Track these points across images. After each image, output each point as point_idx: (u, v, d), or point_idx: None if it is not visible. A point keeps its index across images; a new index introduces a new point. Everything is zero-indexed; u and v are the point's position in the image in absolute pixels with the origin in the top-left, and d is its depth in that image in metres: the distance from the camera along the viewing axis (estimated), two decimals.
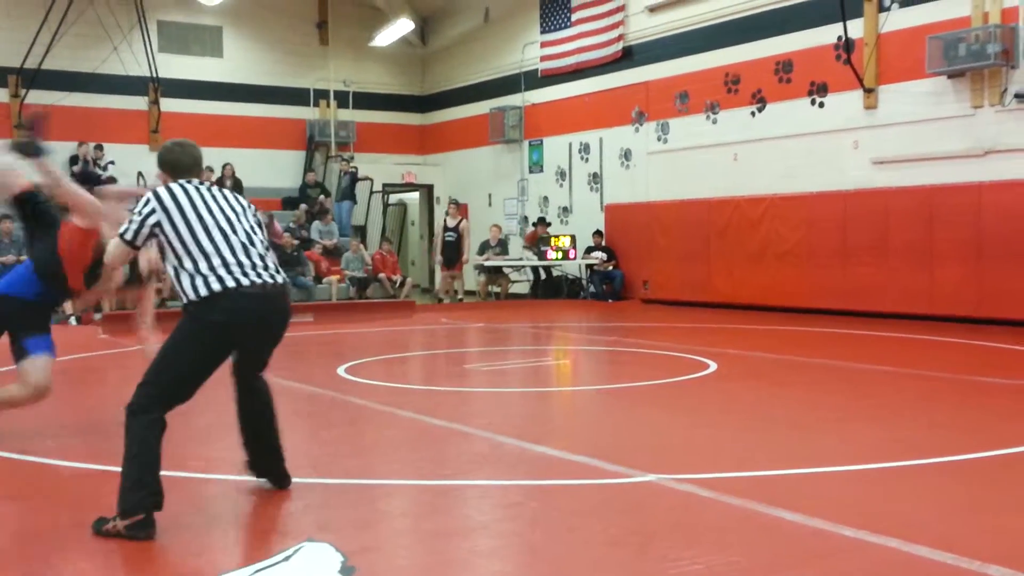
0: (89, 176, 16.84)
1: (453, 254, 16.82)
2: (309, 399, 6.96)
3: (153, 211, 3.95)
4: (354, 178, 18.75)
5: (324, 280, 15.78)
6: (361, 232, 18.29)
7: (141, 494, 3.67)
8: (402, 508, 4.30)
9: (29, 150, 5.43)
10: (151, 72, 17.77)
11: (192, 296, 3.88)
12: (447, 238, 16.88)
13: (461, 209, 17.92)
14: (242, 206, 4.16)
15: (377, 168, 19.76)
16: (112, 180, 16.96)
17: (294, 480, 4.39)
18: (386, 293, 16.12)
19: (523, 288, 17.67)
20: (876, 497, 4.24)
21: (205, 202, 4.02)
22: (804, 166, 13.78)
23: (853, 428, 5.83)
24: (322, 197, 18.20)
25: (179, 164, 4.16)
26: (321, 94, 19.89)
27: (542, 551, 3.59)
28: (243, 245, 3.99)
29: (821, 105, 13.71)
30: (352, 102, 20.04)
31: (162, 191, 4.01)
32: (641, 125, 16.54)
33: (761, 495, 4.16)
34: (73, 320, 12.97)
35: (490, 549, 3.66)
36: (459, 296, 17.01)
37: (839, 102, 13.42)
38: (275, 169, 19.14)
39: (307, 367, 8.86)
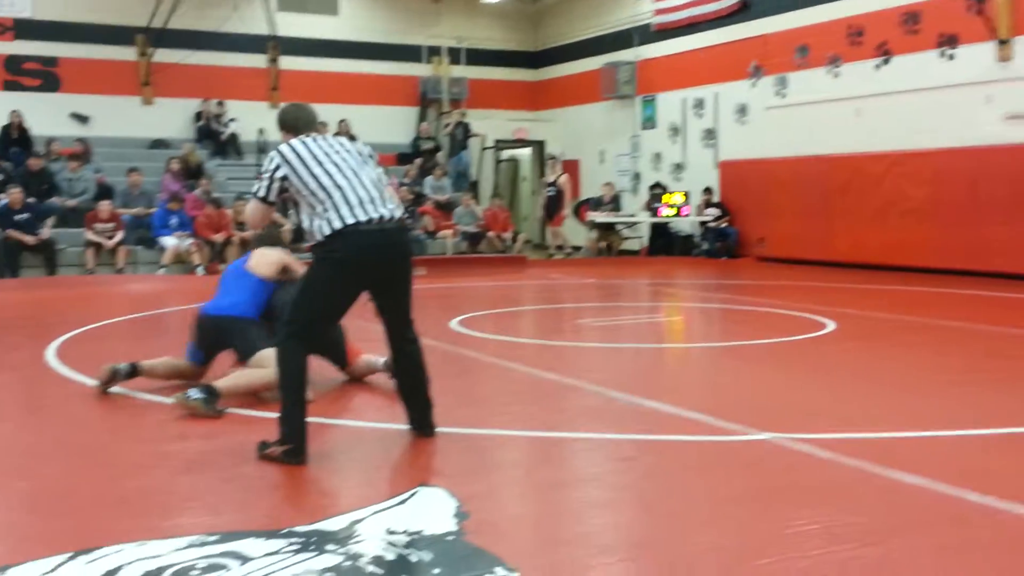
0: (210, 133, 17.38)
1: (553, 208, 16.95)
2: (424, 351, 7.06)
3: (279, 167, 4.19)
4: (467, 133, 18.81)
5: (439, 235, 15.94)
6: (473, 188, 18.39)
7: (292, 424, 4.05)
8: (514, 458, 4.34)
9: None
10: (270, 30, 18.14)
11: (318, 237, 4.13)
12: (547, 193, 17.00)
13: (562, 165, 17.88)
14: (360, 153, 4.34)
15: (489, 124, 19.78)
16: (233, 137, 17.49)
17: (407, 428, 4.49)
18: (496, 249, 16.19)
19: (634, 245, 17.50)
20: (1002, 463, 4.06)
21: (325, 152, 4.22)
22: (931, 121, 13.15)
23: (977, 392, 5.59)
24: (435, 153, 18.34)
25: (298, 121, 4.42)
26: (434, 51, 19.96)
27: (655, 505, 3.57)
28: (363, 186, 4.19)
29: (951, 57, 13.05)
30: (465, 58, 20.06)
31: (285, 148, 4.23)
32: (758, 80, 16.07)
33: (880, 457, 4.04)
34: (200, 270, 13.47)
35: (603, 501, 3.66)
36: (566, 250, 16.98)
37: (970, 54, 12.73)
38: (388, 125, 19.35)
39: (420, 320, 8.97)
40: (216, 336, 5.62)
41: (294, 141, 4.26)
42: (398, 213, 4.27)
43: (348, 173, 4.20)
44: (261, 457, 4.09)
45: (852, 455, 4.09)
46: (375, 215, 4.16)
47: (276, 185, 4.20)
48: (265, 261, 5.75)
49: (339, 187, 4.15)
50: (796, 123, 15.26)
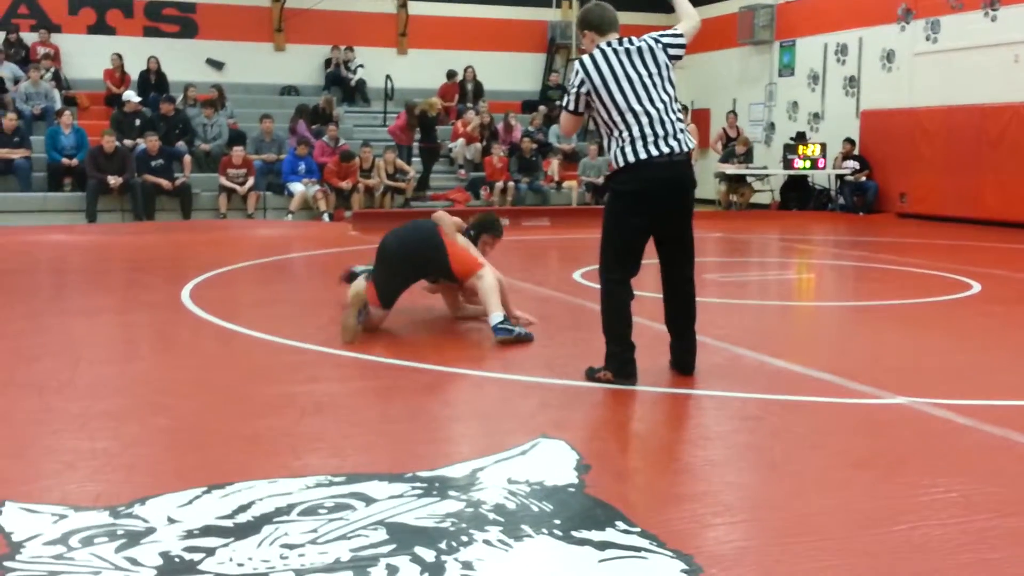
0: (339, 79, 17.62)
1: None
2: (544, 301, 7.06)
3: (583, 82, 4.40)
4: None
5: (564, 185, 15.83)
6: (598, 137, 18.15)
7: (615, 348, 4.44)
8: (636, 413, 4.29)
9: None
10: None
11: (616, 164, 4.40)
12: None
13: (691, 114, 17.39)
14: (658, 66, 4.43)
15: None
16: (361, 83, 17.72)
17: (529, 379, 4.52)
18: None
19: (766, 198, 17.00)
20: None
21: (625, 70, 4.37)
22: None
23: None
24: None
25: (603, 21, 4.55)
26: None
27: (782, 466, 3.47)
28: (659, 115, 4.35)
29: None
30: None
31: (587, 60, 4.41)
32: (908, 23, 15.23)
33: None
34: (326, 217, 13.79)
35: (726, 459, 3.58)
36: None
37: None
38: (516, 72, 19.24)
39: (543, 271, 8.99)
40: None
41: (596, 53, 4.40)
42: (688, 145, 4.39)
43: (643, 97, 4.32)
44: (592, 379, 4.48)
45: (993, 423, 3.89)
46: (665, 149, 4.31)
47: (583, 99, 4.42)
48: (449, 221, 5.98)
49: (635, 115, 4.31)
50: (948, 70, 14.45)
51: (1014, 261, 9.87)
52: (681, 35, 4.58)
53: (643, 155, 4.30)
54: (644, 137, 4.31)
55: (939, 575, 2.55)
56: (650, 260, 4.62)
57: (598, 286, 4.65)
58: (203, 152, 14.49)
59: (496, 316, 5.51)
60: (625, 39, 4.49)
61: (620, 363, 4.46)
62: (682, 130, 4.40)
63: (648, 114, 4.33)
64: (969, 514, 2.96)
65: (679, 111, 4.46)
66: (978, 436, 3.78)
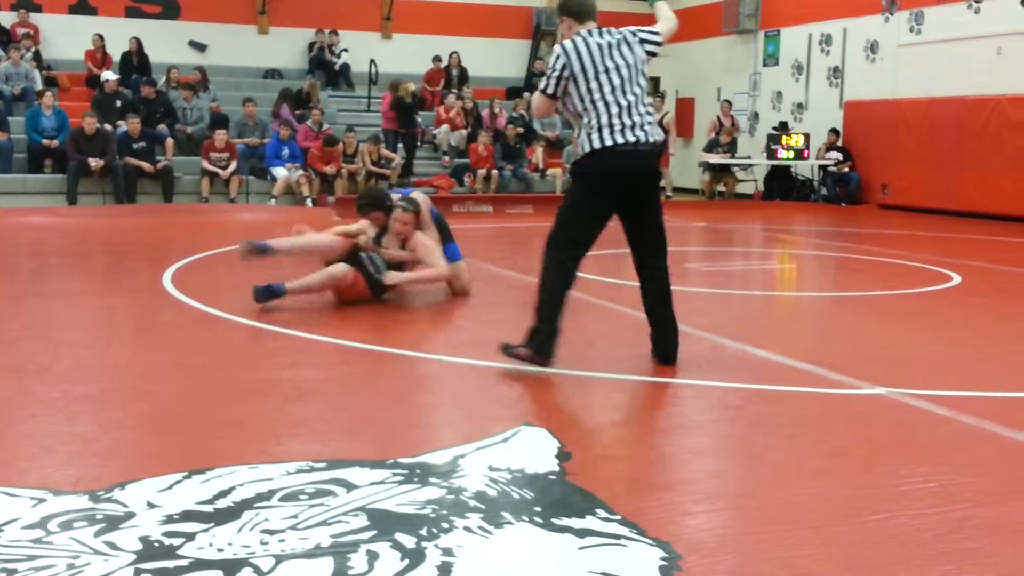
0: (323, 63, 17.52)
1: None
2: (527, 289, 7.03)
3: (565, 66, 4.45)
4: None
5: (548, 172, 15.81)
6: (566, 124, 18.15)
7: (542, 326, 4.42)
8: (618, 401, 4.30)
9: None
10: None
11: (583, 149, 4.46)
12: None
13: (684, 104, 17.38)
14: (634, 59, 4.50)
15: None
16: (345, 68, 17.62)
17: (511, 367, 4.50)
18: None
19: (749, 188, 17.04)
20: None
21: (604, 59, 4.45)
22: None
23: None
24: None
25: (583, 8, 4.61)
26: None
27: (762, 455, 3.49)
28: (628, 106, 4.43)
29: None
30: None
31: (568, 46, 4.47)
32: (892, 14, 15.29)
33: (1002, 416, 3.88)
34: (309, 202, 13.73)
35: (707, 448, 3.60)
36: (667, 193, 16.60)
37: None
38: (501, 58, 19.19)
39: (527, 258, 8.98)
40: None
41: (577, 38, 4.47)
42: (654, 137, 4.47)
43: (617, 88, 4.41)
44: (509, 355, 4.46)
45: (971, 413, 3.92)
46: (632, 138, 4.39)
47: (562, 84, 4.46)
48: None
49: (607, 104, 4.39)
50: (931, 62, 14.51)
51: (994, 253, 9.95)
52: (659, 34, 4.68)
53: (609, 142, 4.38)
54: (612, 126, 4.39)
55: (916, 564, 2.57)
56: (625, 250, 4.63)
57: (581, 275, 4.66)
58: (185, 135, 14.38)
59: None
60: (604, 29, 4.56)
61: (542, 341, 4.45)
62: (651, 123, 4.49)
63: (619, 104, 4.42)
64: (946, 504, 2.99)
65: (649, 104, 4.55)
66: (956, 426, 3.82)
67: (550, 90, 4.52)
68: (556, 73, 4.48)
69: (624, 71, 4.46)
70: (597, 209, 4.50)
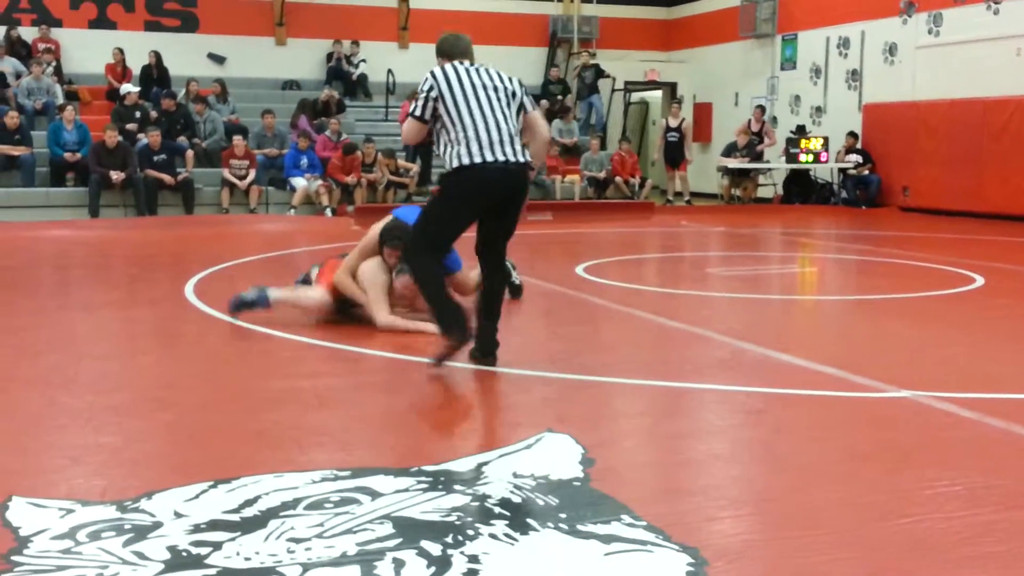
0: (340, 73, 17.58)
1: (677, 154, 16.46)
2: (547, 296, 7.06)
3: (432, 87, 4.53)
4: (598, 74, 18.46)
5: (566, 179, 15.81)
6: (603, 132, 18.11)
7: (446, 312, 4.51)
8: (640, 407, 4.30)
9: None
10: None
11: (450, 165, 4.51)
12: (669, 138, 16.48)
13: (702, 109, 17.33)
14: (504, 85, 4.65)
15: (619, 66, 19.38)
16: (363, 78, 17.70)
17: (533, 373, 4.51)
18: (623, 194, 15.97)
19: (768, 192, 16.98)
20: None
21: (471, 81, 4.56)
22: None
23: None
24: (564, 96, 18.13)
25: (454, 48, 4.74)
26: None
27: (785, 459, 3.47)
28: (496, 124, 4.51)
29: None
30: None
31: (437, 70, 4.59)
32: (910, 17, 15.21)
33: None
34: (328, 212, 13.78)
35: (730, 453, 3.58)
36: (686, 198, 16.56)
37: None
38: (516, 66, 19.12)
39: (545, 265, 8.99)
40: None
41: (447, 66, 4.59)
42: (523, 157, 4.56)
43: (487, 109, 4.50)
44: (438, 364, 4.57)
45: (998, 416, 3.89)
46: (501, 157, 4.47)
47: (430, 105, 4.53)
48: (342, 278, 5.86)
49: (474, 122, 4.47)
50: (950, 63, 14.41)
51: (1017, 255, 9.87)
52: (536, 107, 4.85)
53: (478, 159, 4.45)
54: (479, 142, 4.46)
55: (943, 569, 2.56)
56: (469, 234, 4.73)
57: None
58: (201, 149, 14.48)
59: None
60: (480, 65, 4.68)
61: (453, 322, 4.50)
62: (524, 145, 4.63)
63: (486, 121, 4.50)
64: (973, 507, 2.97)
65: (518, 135, 4.63)
66: (982, 429, 3.79)
67: (418, 112, 4.56)
68: (424, 95, 4.54)
69: (493, 93, 4.56)
70: (460, 221, 4.63)
